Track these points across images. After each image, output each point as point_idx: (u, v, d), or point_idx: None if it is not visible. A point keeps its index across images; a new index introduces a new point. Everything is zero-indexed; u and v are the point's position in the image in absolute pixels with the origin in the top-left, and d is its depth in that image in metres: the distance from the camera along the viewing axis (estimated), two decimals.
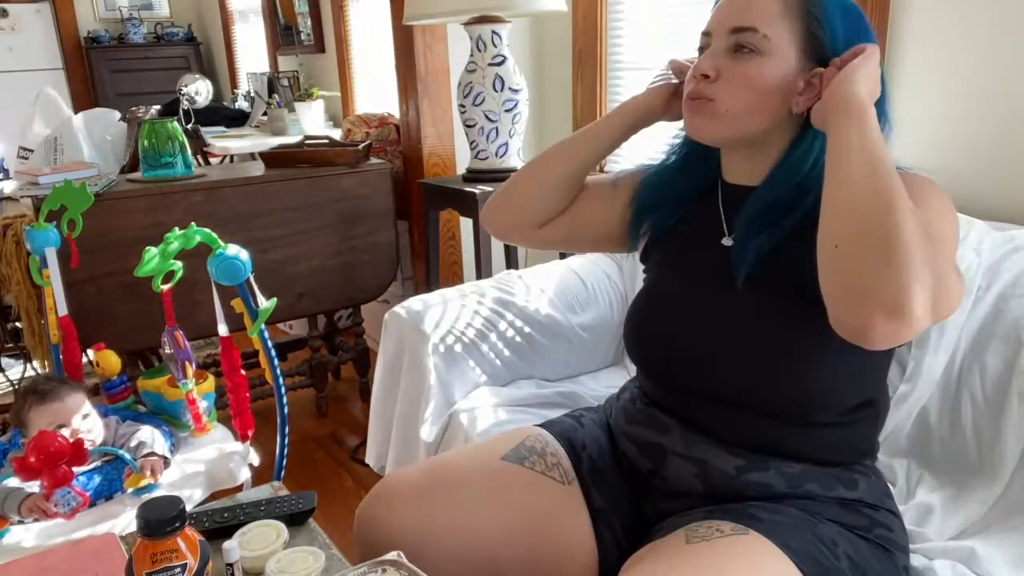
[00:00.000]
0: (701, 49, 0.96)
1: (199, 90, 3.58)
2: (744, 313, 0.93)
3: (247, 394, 1.53)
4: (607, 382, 1.67)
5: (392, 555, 0.83)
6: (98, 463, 1.37)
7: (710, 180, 1.04)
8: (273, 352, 1.47)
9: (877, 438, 1.00)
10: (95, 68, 5.24)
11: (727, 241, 0.98)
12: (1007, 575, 1.01)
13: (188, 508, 0.75)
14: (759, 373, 0.90)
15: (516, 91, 2.09)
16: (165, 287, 1.46)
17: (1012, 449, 1.16)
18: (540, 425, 1.14)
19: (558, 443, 1.08)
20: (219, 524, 0.98)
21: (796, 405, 0.91)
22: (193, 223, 1.43)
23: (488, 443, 1.11)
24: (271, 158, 2.34)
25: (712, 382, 0.94)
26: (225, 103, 4.49)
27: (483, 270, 2.13)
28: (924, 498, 1.19)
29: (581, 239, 1.16)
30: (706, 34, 0.96)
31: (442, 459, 1.11)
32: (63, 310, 1.60)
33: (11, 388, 2.65)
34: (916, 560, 1.05)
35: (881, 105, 0.88)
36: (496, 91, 2.06)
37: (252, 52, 4.77)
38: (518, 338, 1.63)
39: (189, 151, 2.18)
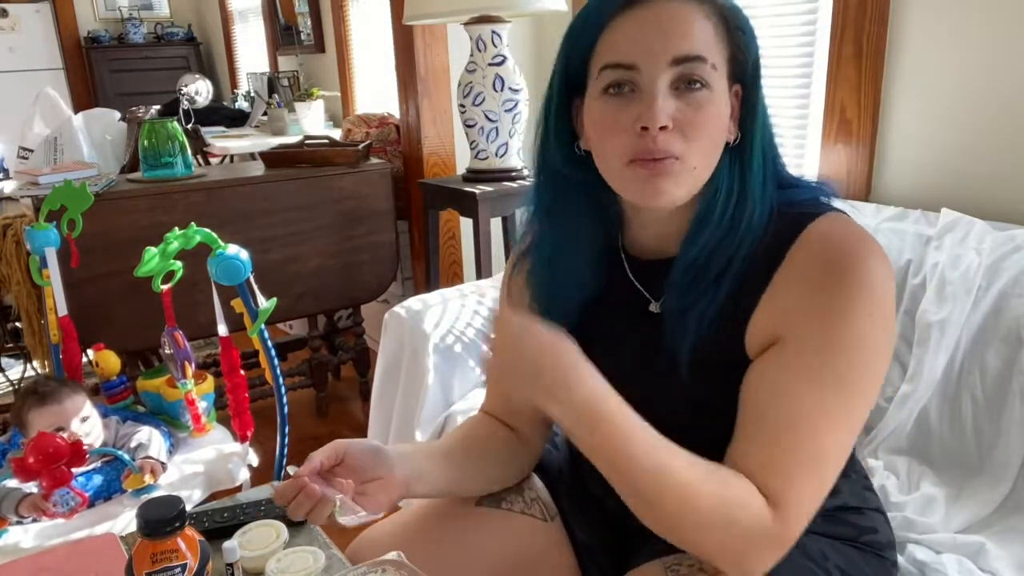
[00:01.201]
0: (617, 85, 0.75)
1: (199, 90, 3.57)
2: (683, 396, 0.81)
3: (246, 394, 1.53)
4: None
5: (392, 555, 0.83)
6: (98, 464, 1.37)
7: (604, 246, 0.88)
8: (273, 352, 1.47)
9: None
10: (95, 68, 5.24)
11: (654, 307, 0.84)
12: None
13: (187, 508, 0.75)
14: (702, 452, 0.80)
15: (516, 91, 2.09)
16: (165, 287, 1.46)
17: (1015, 449, 1.16)
18: None
19: (535, 475, 1.02)
20: (219, 524, 0.98)
21: None
22: (193, 223, 1.43)
23: None
24: (271, 158, 2.34)
25: None
26: (225, 103, 4.49)
27: (483, 270, 2.13)
28: (928, 490, 1.19)
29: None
30: (618, 66, 0.75)
31: (416, 512, 1.02)
32: (63, 310, 1.60)
33: (11, 388, 2.65)
34: (922, 553, 1.05)
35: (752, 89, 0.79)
36: (496, 91, 2.06)
37: (252, 52, 4.77)
38: None
39: (189, 151, 2.18)
